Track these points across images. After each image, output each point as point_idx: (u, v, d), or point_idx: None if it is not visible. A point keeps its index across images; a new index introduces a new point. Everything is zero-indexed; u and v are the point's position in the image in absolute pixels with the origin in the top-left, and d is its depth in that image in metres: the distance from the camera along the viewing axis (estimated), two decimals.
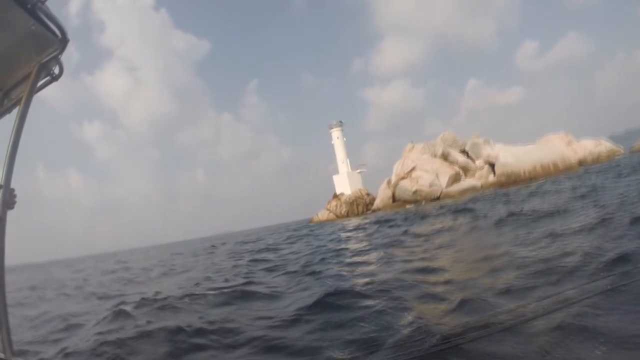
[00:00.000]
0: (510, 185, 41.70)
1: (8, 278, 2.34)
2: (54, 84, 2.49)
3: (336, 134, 68.16)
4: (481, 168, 50.47)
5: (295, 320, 5.47)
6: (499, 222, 11.99)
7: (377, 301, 5.61)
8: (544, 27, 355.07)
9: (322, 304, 5.87)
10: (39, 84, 2.40)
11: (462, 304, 4.85)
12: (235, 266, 13.75)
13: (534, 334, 3.59)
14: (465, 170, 51.63)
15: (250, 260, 14.66)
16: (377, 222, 24.52)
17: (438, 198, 48.01)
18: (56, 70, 2.41)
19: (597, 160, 46.12)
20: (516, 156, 46.90)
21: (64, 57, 2.34)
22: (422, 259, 8.67)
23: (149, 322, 6.24)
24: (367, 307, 5.44)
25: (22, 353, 5.44)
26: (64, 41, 2.17)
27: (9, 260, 2.33)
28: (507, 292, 5.05)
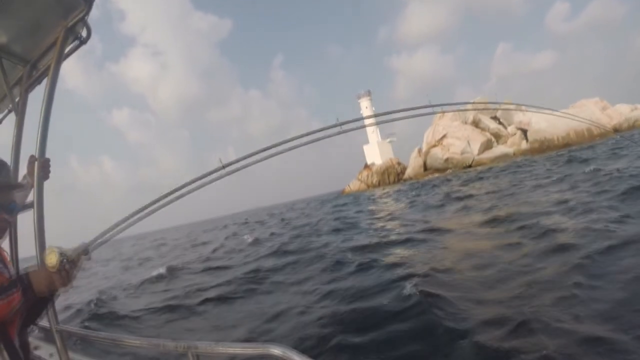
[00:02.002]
0: (544, 151, 41.88)
1: None
2: (83, 47, 2.39)
3: (365, 104, 68.95)
4: (513, 134, 50.61)
5: None
6: None
7: None
8: None
9: None
10: (67, 49, 2.32)
11: None
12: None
13: None
14: (497, 137, 52.01)
15: None
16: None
17: (470, 166, 48.84)
18: (84, 33, 2.30)
19: (633, 126, 45.30)
20: (549, 122, 46.54)
21: (90, 18, 2.20)
22: None
23: None
24: None
25: (66, 322, 5.42)
26: (89, 1, 2.07)
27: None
28: None
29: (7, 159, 2.57)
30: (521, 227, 8.12)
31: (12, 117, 2.76)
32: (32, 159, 2.22)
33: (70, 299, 9.61)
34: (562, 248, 6.06)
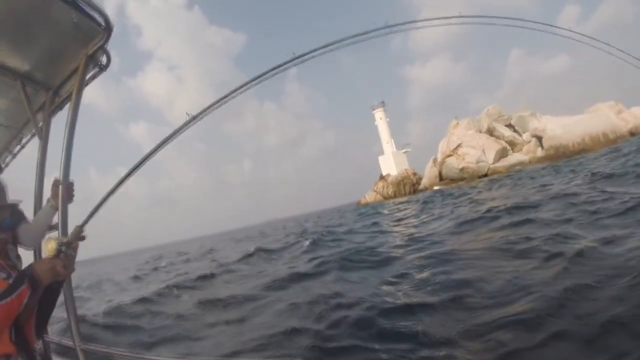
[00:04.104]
0: (560, 158, 41.71)
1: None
2: (103, 74, 2.46)
3: (379, 115, 69.43)
4: (528, 142, 50.43)
5: None
6: None
7: None
8: None
9: None
10: (88, 76, 2.37)
11: None
12: None
13: None
14: (512, 144, 51.77)
15: None
16: None
17: (485, 175, 48.50)
18: (104, 60, 2.37)
19: None
20: (564, 128, 46.49)
21: (110, 45, 2.26)
22: None
23: None
24: None
25: (90, 341, 6.14)
26: (108, 29, 2.12)
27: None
28: None
29: (31, 181, 2.83)
30: None
31: (35, 140, 2.85)
32: (56, 182, 2.27)
33: None
34: None
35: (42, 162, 2.75)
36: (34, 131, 2.92)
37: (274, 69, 2.42)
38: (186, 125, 2.22)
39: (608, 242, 5.75)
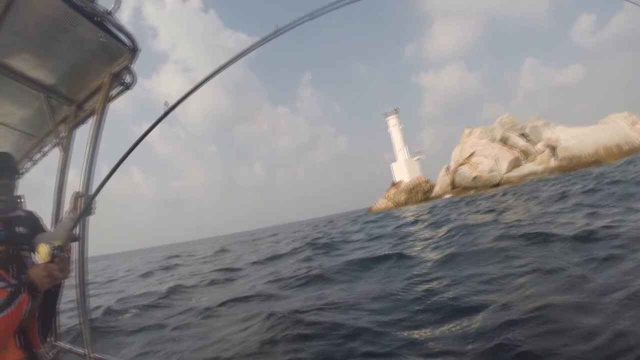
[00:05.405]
0: (573, 169, 41.92)
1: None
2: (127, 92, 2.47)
3: (392, 122, 69.72)
4: (542, 152, 50.39)
5: None
6: None
7: None
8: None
9: None
10: (112, 93, 2.39)
11: None
12: None
13: None
14: (526, 154, 51.53)
15: None
16: None
17: (498, 184, 48.44)
18: (128, 79, 2.39)
19: None
20: (578, 138, 46.23)
21: (136, 66, 2.28)
22: None
23: None
24: None
25: (102, 349, 5.81)
26: (134, 50, 2.15)
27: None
28: None
29: (50, 191, 2.80)
30: None
31: (55, 150, 2.92)
32: (76, 195, 2.26)
33: None
34: None
35: (62, 172, 2.80)
36: (55, 141, 3.02)
37: (258, 43, 2.21)
38: (165, 114, 1.96)
39: None
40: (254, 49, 2.14)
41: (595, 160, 42.97)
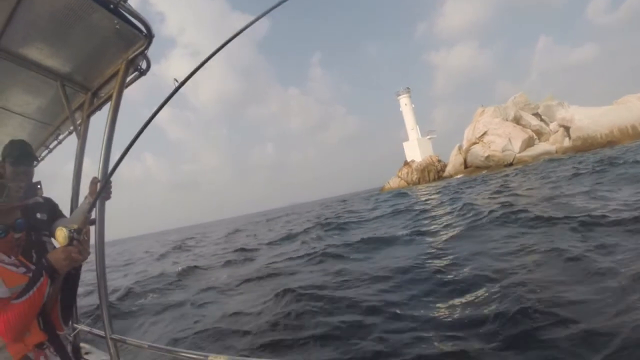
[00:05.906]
0: (587, 149, 41.42)
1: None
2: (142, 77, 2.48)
3: (404, 101, 68.91)
4: (555, 132, 49.83)
5: None
6: None
7: None
8: None
9: None
10: (127, 79, 2.41)
11: None
12: None
13: None
14: (539, 134, 51.09)
15: None
16: None
17: (511, 164, 48.01)
18: (143, 65, 2.41)
19: None
20: (592, 118, 45.38)
21: (150, 52, 2.31)
22: None
23: None
24: None
25: (123, 331, 5.66)
26: (149, 36, 2.17)
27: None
28: None
29: (66, 176, 2.87)
30: None
31: (72, 137, 2.96)
32: (95, 180, 2.34)
33: None
34: None
35: (80, 159, 2.86)
36: (71, 129, 3.07)
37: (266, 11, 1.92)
38: (175, 90, 1.88)
39: None
40: (264, 16, 1.83)
41: (610, 141, 42.31)
